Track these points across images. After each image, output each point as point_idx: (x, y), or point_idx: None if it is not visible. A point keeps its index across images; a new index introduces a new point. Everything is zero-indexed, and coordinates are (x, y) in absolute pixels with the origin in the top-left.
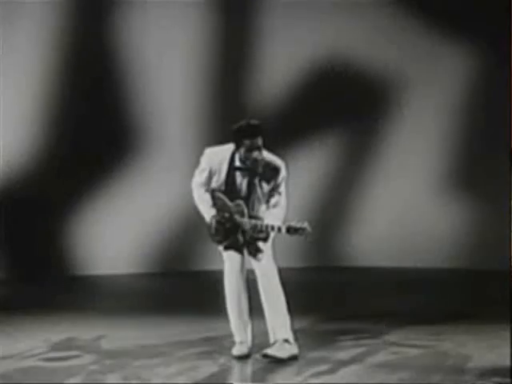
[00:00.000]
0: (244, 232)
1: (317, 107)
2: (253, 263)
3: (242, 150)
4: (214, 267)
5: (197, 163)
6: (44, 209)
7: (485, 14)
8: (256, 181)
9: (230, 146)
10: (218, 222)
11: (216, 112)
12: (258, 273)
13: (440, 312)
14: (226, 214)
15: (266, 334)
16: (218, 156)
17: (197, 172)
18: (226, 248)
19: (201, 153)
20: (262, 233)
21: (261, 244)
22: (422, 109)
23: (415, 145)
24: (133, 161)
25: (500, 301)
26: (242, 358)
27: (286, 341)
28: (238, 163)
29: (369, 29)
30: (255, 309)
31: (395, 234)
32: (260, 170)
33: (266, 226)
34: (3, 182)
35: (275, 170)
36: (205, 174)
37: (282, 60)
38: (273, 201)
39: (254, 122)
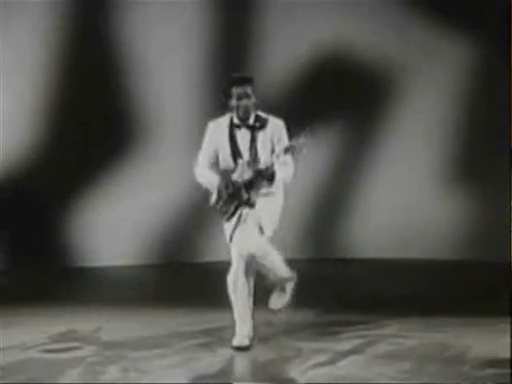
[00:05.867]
0: (249, 185)
1: (318, 96)
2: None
3: (234, 101)
4: (214, 259)
5: (197, 156)
6: (44, 200)
7: (486, 3)
8: (258, 137)
9: (230, 115)
10: (221, 189)
11: (214, 109)
12: None
13: (439, 303)
14: (230, 179)
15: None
16: (220, 124)
17: (200, 153)
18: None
19: (201, 147)
20: (266, 171)
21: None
22: (423, 97)
23: (417, 134)
24: (133, 153)
25: (500, 293)
26: (242, 349)
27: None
28: (235, 121)
29: (370, 19)
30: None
31: (395, 225)
32: (258, 124)
33: (267, 164)
34: (3, 173)
35: (276, 126)
36: (210, 149)
37: (282, 55)
38: (280, 160)
39: (242, 73)
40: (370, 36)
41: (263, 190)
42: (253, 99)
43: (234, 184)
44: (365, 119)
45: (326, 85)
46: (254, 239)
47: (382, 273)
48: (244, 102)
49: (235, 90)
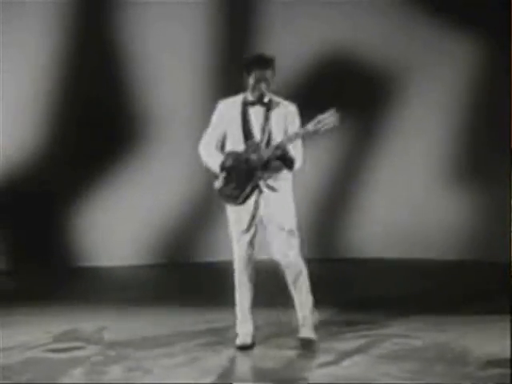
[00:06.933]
0: (267, 165)
1: (320, 96)
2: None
3: (252, 81)
4: (216, 258)
5: (199, 156)
6: (46, 200)
7: (489, 3)
8: (272, 117)
9: (243, 94)
10: (232, 169)
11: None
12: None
13: (442, 303)
14: (244, 158)
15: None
16: (231, 102)
17: (206, 132)
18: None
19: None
20: (278, 149)
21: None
22: (426, 96)
23: (420, 133)
24: (135, 153)
25: (500, 293)
26: (245, 348)
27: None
28: (249, 98)
29: (374, 18)
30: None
31: (397, 225)
32: (272, 105)
33: (284, 140)
34: (5, 173)
35: (289, 109)
36: (219, 128)
37: (285, 54)
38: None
39: (267, 55)
40: (374, 35)
41: (271, 183)
42: (270, 83)
43: (249, 163)
44: (367, 119)
45: (330, 84)
46: (295, 247)
47: (385, 273)
48: (262, 85)
49: (255, 72)
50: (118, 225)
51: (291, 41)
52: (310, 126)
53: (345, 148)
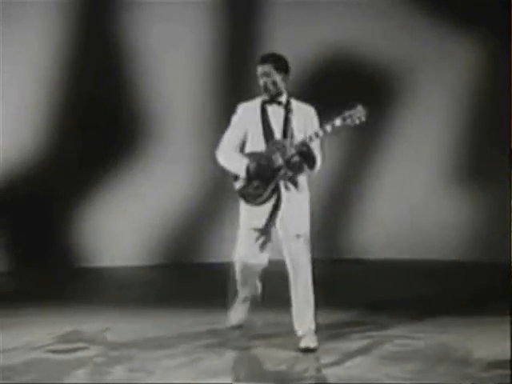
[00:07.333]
0: (291, 165)
1: (323, 97)
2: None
3: (259, 80)
4: (219, 260)
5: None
6: (48, 201)
7: (489, 3)
8: (292, 117)
9: (261, 97)
10: (254, 169)
11: (219, 108)
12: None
13: (444, 304)
14: (263, 160)
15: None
16: (251, 104)
17: (225, 136)
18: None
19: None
20: (303, 146)
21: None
22: (429, 97)
23: (422, 135)
24: (137, 154)
25: (501, 293)
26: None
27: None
28: (265, 97)
29: (376, 19)
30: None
31: (399, 226)
32: (290, 105)
33: (310, 137)
34: (5, 174)
35: (308, 110)
36: (239, 130)
37: (287, 55)
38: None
39: (270, 52)
40: (375, 36)
41: (292, 188)
42: (274, 78)
43: (273, 161)
44: (369, 120)
45: (332, 85)
46: (306, 254)
47: (387, 273)
48: (264, 80)
49: (257, 68)
50: (120, 225)
51: (293, 41)
52: (338, 122)
53: (347, 149)
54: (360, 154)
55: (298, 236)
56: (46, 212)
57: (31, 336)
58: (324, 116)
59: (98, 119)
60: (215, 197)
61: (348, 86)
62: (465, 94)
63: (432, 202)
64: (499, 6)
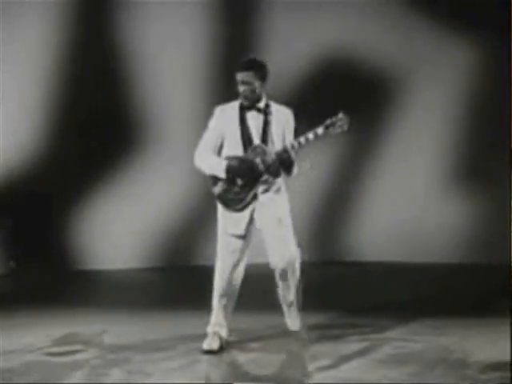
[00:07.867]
0: (271, 169)
1: (320, 100)
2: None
3: (238, 87)
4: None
5: None
6: (45, 203)
7: (489, 3)
8: (271, 122)
9: (239, 100)
10: (236, 174)
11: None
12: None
13: (442, 306)
14: (245, 164)
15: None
16: (228, 107)
17: (202, 138)
18: (239, 210)
19: None
20: (285, 153)
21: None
22: (426, 98)
23: (420, 136)
24: (135, 156)
25: (500, 295)
26: (212, 352)
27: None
28: (244, 102)
29: (374, 20)
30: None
31: (398, 228)
32: (268, 109)
33: (292, 145)
34: (4, 175)
35: (286, 114)
36: (215, 134)
37: (285, 56)
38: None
39: (251, 57)
40: (373, 37)
41: (273, 187)
42: (254, 86)
43: (254, 167)
44: (367, 121)
45: (330, 86)
46: (292, 250)
47: (385, 276)
48: (243, 88)
49: (237, 76)
50: (117, 228)
51: (291, 41)
52: (320, 130)
53: (345, 151)
54: (358, 155)
55: (279, 222)
56: (44, 214)
57: (29, 338)
58: (323, 116)
59: (96, 120)
60: (213, 199)
61: (346, 87)
62: (464, 95)
63: (431, 204)
64: (499, 6)
